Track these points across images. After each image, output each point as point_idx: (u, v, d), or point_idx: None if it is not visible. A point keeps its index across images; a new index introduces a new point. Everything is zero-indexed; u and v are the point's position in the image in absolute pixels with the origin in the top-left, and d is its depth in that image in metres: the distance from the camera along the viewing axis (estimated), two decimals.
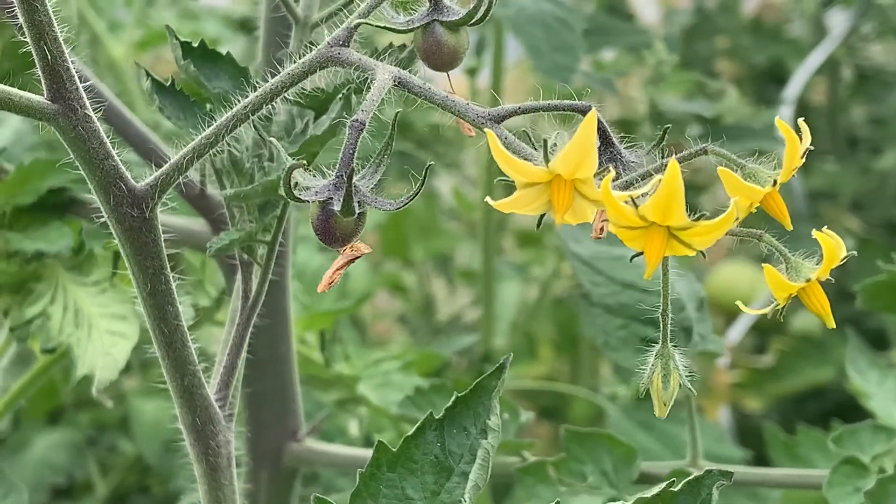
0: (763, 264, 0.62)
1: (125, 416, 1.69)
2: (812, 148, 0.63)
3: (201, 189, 0.99)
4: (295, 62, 0.68)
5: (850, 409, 1.67)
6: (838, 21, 2.12)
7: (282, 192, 0.64)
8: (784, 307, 0.63)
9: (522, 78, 1.79)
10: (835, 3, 2.13)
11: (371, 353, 1.24)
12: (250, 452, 1.06)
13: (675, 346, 0.66)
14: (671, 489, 0.69)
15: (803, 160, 0.63)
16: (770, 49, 2.11)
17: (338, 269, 0.66)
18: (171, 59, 1.85)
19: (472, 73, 1.64)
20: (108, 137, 0.70)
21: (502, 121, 0.65)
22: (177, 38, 0.81)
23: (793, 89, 1.89)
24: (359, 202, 0.64)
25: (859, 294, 1.12)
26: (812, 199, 2.00)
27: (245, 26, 1.98)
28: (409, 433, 0.74)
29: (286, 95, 0.68)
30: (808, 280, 0.62)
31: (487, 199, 0.62)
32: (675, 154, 0.62)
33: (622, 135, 0.66)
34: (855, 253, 0.64)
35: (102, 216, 0.72)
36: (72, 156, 0.70)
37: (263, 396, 1.04)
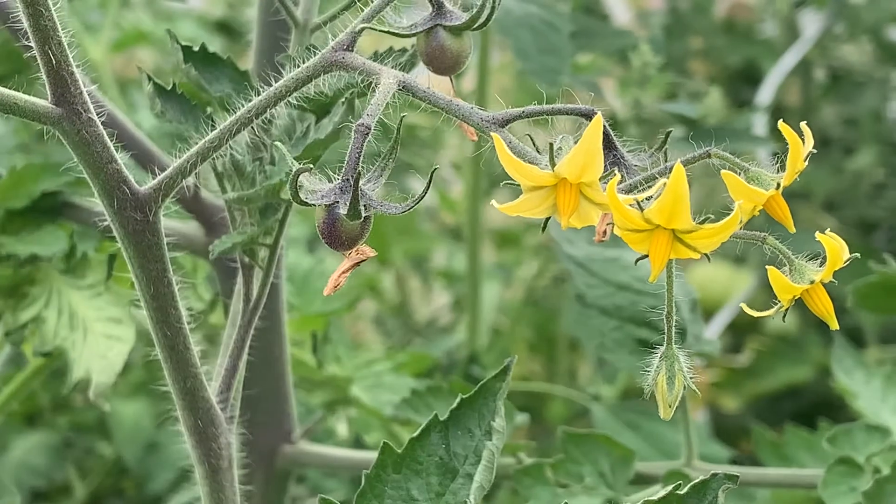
0: (767, 266, 0.63)
1: (102, 419, 1.69)
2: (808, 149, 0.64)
3: (195, 192, 0.99)
4: (297, 66, 0.68)
5: (825, 408, 1.68)
6: (811, 21, 2.13)
7: (288, 195, 0.64)
8: (787, 309, 0.64)
9: (503, 80, 1.79)
10: (807, 3, 2.14)
11: (361, 354, 1.24)
12: (245, 455, 1.06)
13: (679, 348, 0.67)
14: (677, 492, 0.69)
15: (806, 163, 0.63)
16: (743, 50, 2.11)
17: (343, 273, 0.66)
18: (142, 59, 1.84)
19: (457, 74, 1.63)
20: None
21: (506, 125, 0.65)
22: (178, 42, 0.81)
23: (767, 91, 1.90)
24: (364, 206, 0.64)
25: (850, 294, 1.12)
26: (786, 200, 2.00)
27: (223, 28, 1.98)
28: (415, 435, 0.74)
29: (289, 99, 0.69)
30: (812, 282, 0.63)
31: (493, 202, 0.63)
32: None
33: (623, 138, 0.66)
34: (858, 255, 0.65)
35: (105, 220, 0.72)
36: (75, 159, 0.70)
37: (258, 399, 1.04)
